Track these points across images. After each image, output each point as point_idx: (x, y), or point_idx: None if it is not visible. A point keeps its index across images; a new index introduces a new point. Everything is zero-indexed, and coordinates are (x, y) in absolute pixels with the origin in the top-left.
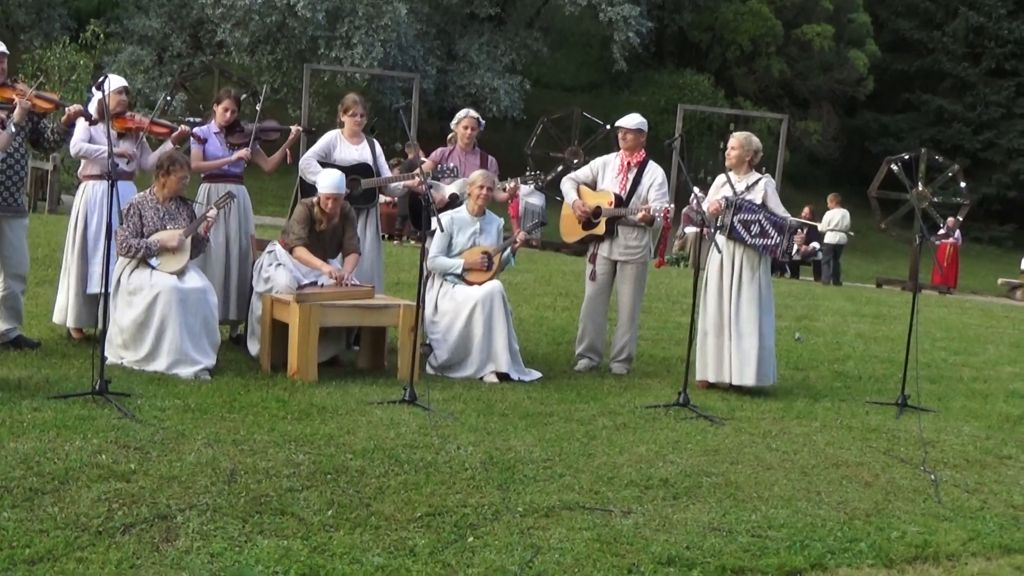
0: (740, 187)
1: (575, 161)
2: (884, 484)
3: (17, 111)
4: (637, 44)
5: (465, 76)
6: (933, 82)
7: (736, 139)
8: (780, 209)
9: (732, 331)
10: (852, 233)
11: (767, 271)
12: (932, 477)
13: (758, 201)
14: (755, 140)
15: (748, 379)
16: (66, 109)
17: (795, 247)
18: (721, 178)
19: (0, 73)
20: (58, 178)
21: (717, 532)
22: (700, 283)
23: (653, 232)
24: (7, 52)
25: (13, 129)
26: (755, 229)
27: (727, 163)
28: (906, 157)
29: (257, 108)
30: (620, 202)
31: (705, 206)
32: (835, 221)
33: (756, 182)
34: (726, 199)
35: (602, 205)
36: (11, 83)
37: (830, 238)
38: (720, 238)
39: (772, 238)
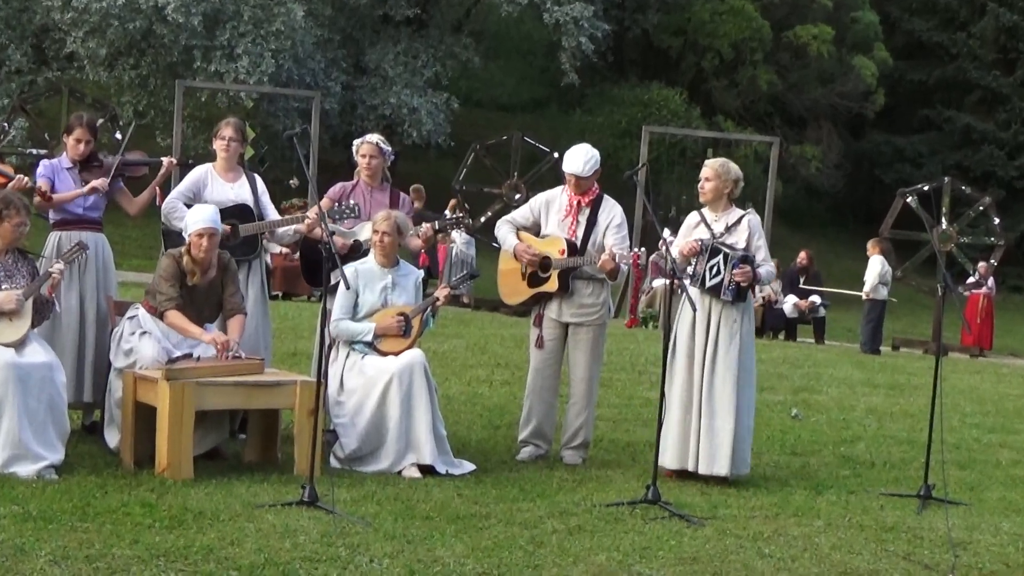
0: (718, 227)
1: (516, 197)
2: None
3: None
4: (591, 51)
5: (377, 93)
6: (957, 95)
7: (710, 168)
8: (762, 254)
9: (703, 408)
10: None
11: (750, 333)
12: None
13: (740, 245)
14: (734, 168)
15: (720, 468)
16: None
17: (732, 280)
18: (693, 217)
19: None
20: None
21: None
22: (671, 347)
23: (617, 284)
24: None
25: None
26: (714, 270)
27: (701, 198)
28: (925, 188)
29: (118, 137)
30: (574, 250)
31: (675, 251)
32: (883, 272)
33: (738, 221)
34: (702, 242)
35: (552, 255)
36: None
37: (876, 294)
38: (693, 291)
39: (720, 275)
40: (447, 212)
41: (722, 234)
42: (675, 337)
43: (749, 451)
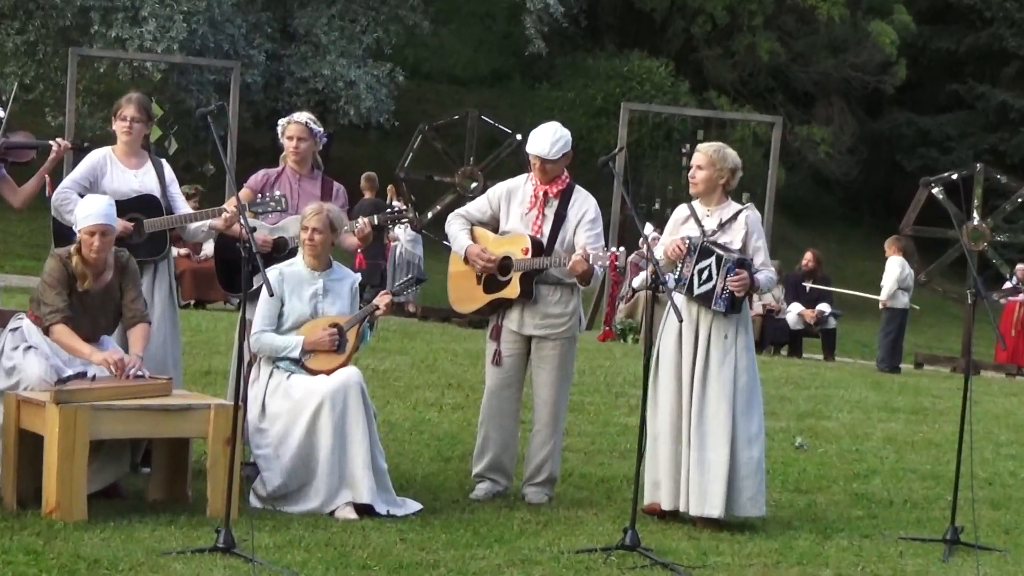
0: (710, 224)
1: (472, 187)
2: None
3: None
4: (560, 15)
5: (308, 64)
6: (992, 67)
7: (703, 154)
8: (761, 256)
9: (692, 437)
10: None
11: (748, 348)
12: None
13: (735, 245)
14: (731, 155)
15: (712, 508)
16: None
17: (726, 288)
18: (682, 210)
19: None
20: None
21: None
22: (653, 365)
23: (590, 290)
24: None
25: None
26: (704, 275)
27: (692, 189)
28: (954, 177)
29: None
30: (540, 249)
31: (659, 251)
32: (903, 275)
33: (734, 217)
34: (690, 240)
35: (513, 254)
36: None
37: (895, 301)
38: (679, 298)
39: (711, 281)
40: (395, 203)
41: (714, 231)
42: (658, 353)
43: (762, 489)
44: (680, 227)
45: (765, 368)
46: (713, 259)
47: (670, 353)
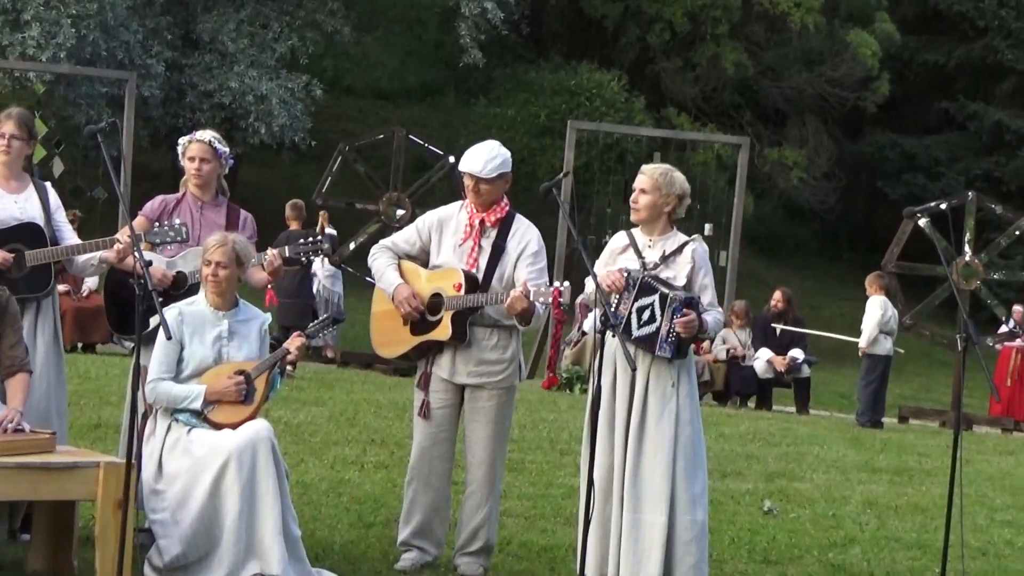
0: (652, 256)
1: (399, 215)
2: None
3: None
4: (500, 21)
5: (213, 75)
6: (986, 82)
7: (648, 177)
8: (708, 296)
9: (625, 497)
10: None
11: (691, 396)
12: None
13: (679, 281)
14: (679, 179)
15: None
16: None
17: (672, 331)
18: (620, 239)
19: None
20: None
21: None
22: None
23: (531, 332)
24: None
25: None
26: (646, 316)
27: (633, 215)
28: (943, 206)
29: None
30: (475, 285)
31: (590, 287)
32: (886, 318)
33: (679, 249)
34: (628, 274)
35: (444, 291)
36: None
37: (876, 347)
38: (616, 340)
39: (655, 322)
40: (329, 231)
41: (656, 265)
42: (593, 399)
43: (705, 556)
44: (617, 257)
45: (730, 422)
46: (656, 297)
47: (604, 400)
